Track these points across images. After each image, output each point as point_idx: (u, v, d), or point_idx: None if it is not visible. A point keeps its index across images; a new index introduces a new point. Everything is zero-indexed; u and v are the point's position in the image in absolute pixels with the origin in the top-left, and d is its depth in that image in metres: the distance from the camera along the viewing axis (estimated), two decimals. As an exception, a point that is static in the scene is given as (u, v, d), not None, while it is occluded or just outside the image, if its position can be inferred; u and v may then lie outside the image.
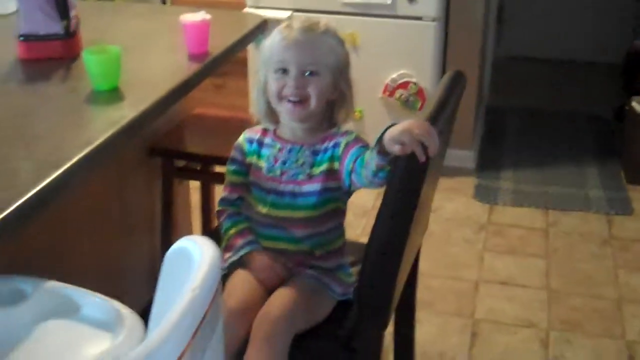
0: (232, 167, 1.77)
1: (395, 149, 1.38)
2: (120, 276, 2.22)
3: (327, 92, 1.65)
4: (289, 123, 1.69)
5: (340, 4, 3.35)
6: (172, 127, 2.41)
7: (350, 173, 1.60)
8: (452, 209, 3.39)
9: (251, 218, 1.74)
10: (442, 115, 1.45)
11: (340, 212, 1.73)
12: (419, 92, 3.42)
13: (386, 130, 1.42)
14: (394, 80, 3.43)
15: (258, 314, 1.56)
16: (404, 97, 3.44)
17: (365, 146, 1.62)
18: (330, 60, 1.65)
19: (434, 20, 3.33)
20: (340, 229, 1.74)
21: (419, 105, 3.44)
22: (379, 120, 3.42)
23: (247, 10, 3.40)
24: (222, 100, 3.66)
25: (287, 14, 3.36)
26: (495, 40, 4.77)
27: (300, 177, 1.67)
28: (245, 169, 1.75)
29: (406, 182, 1.40)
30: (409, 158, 1.37)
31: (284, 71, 1.63)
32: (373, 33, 3.36)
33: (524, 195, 3.50)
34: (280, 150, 1.70)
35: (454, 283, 2.86)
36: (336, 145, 1.65)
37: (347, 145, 1.63)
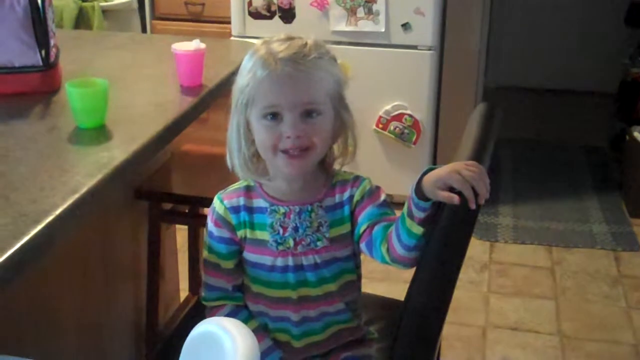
0: (224, 250, 1.36)
1: (442, 195, 1.16)
2: (103, 329, 1.99)
3: (330, 130, 1.30)
4: (284, 176, 1.33)
5: (331, 33, 3.16)
6: (159, 166, 2.20)
7: (358, 239, 1.31)
8: (451, 247, 3.19)
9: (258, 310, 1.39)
10: (486, 155, 1.26)
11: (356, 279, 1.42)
12: (414, 124, 3.24)
13: (423, 175, 1.21)
14: (387, 112, 3.25)
15: None
16: (399, 129, 3.26)
17: (383, 204, 1.31)
18: (329, 88, 1.28)
19: (430, 49, 3.16)
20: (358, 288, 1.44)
21: (414, 138, 3.26)
22: (372, 155, 3.24)
23: (232, 40, 3.21)
24: (205, 134, 3.44)
25: (275, 43, 3.17)
26: (483, 70, 4.63)
27: (320, 243, 1.33)
28: (237, 247, 1.36)
29: (452, 234, 1.20)
30: (455, 205, 1.17)
31: (275, 116, 1.25)
32: (366, 63, 3.17)
33: (525, 231, 3.32)
34: (286, 214, 1.33)
35: (461, 329, 2.66)
36: (351, 199, 1.33)
37: (362, 199, 1.32)
